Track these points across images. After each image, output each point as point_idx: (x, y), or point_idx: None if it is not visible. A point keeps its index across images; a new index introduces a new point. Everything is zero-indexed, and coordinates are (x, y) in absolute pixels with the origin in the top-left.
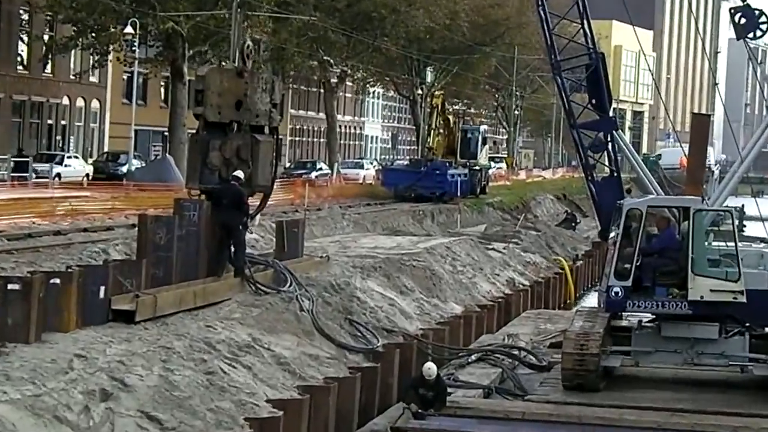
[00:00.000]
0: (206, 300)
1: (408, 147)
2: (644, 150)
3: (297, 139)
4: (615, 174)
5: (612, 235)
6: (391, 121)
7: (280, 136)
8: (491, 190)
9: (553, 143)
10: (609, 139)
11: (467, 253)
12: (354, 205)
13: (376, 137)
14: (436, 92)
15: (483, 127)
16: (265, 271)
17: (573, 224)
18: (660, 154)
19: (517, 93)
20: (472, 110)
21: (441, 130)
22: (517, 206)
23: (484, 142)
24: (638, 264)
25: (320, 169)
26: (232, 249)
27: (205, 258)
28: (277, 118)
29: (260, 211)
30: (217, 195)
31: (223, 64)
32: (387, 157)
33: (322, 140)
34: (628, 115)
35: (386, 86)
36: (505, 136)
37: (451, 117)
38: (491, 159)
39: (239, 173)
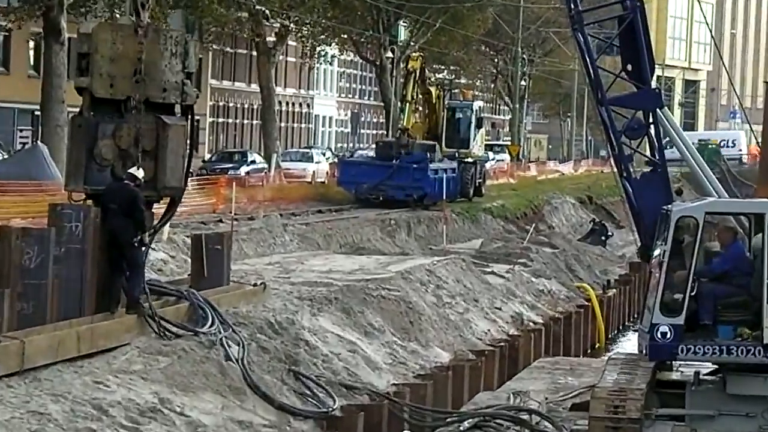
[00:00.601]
0: (95, 346)
1: (374, 131)
2: (700, 134)
3: (220, 120)
4: (659, 168)
5: (656, 253)
6: (350, 95)
7: (197, 118)
8: (489, 191)
9: (574, 126)
10: (650, 119)
11: (457, 278)
12: (300, 213)
13: (330, 118)
14: (413, 53)
15: (477, 104)
16: (177, 304)
17: (603, 238)
18: (722, 141)
19: (524, 56)
20: (462, 81)
21: (419, 107)
22: (524, 213)
23: (478, 125)
24: (693, 293)
25: (253, 162)
26: (127, 273)
27: (93, 287)
28: (193, 93)
29: (167, 222)
30: (107, 199)
31: (117, 17)
32: (345, 145)
33: (255, 122)
34: (678, 87)
35: (344, 47)
36: (508, 116)
37: (433, 89)
38: (489, 148)
39: (135, 170)
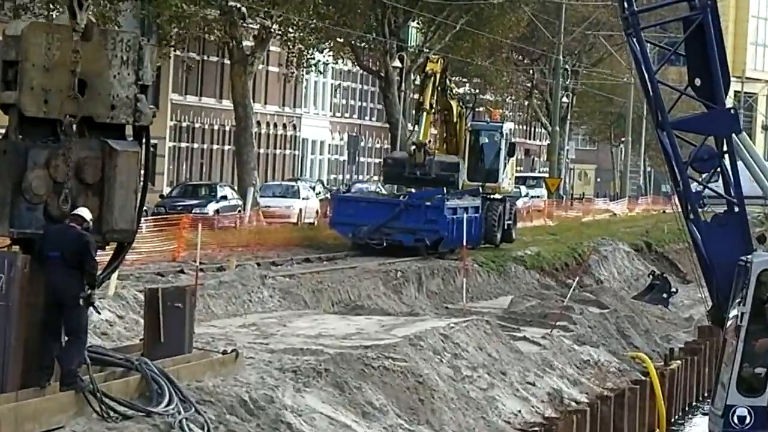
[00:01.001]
0: (20, 430)
1: (376, 160)
2: None
3: (183, 145)
4: (736, 209)
5: (732, 315)
6: (347, 114)
7: (154, 142)
8: (521, 235)
9: (628, 154)
10: (724, 147)
11: (479, 345)
12: (283, 262)
13: (322, 143)
14: (432, 55)
15: (508, 126)
16: (125, 377)
17: (664, 296)
18: None
19: (567, 66)
20: (488, 97)
21: (438, 123)
22: (566, 264)
23: (510, 153)
24: None
25: (224, 198)
26: (65, 338)
27: (18, 355)
28: (149, 112)
29: (114, 272)
30: (46, 246)
31: (53, 16)
32: (340, 177)
33: (227, 148)
34: (762, 105)
35: (340, 54)
36: (546, 141)
37: (454, 104)
38: (521, 181)
39: (83, 211)
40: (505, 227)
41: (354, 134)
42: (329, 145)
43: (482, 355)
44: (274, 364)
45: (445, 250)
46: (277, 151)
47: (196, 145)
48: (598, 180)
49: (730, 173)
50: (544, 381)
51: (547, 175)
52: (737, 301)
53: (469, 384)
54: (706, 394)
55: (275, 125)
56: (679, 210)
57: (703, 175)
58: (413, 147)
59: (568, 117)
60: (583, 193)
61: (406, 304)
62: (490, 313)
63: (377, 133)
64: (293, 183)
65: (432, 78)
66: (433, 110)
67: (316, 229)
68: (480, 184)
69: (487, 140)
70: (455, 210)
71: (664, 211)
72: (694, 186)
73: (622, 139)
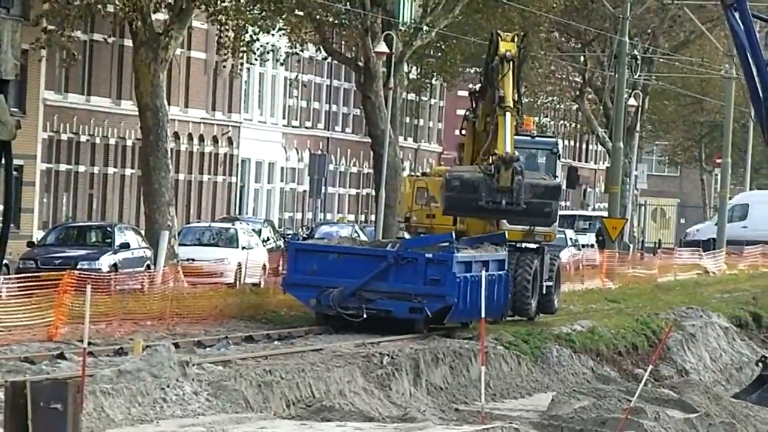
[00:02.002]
0: None
1: (352, 190)
2: None
3: (62, 168)
4: None
5: None
6: (309, 123)
7: (18, 163)
8: (567, 303)
9: (727, 182)
10: None
11: None
12: (213, 343)
13: (272, 165)
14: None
15: (557, 143)
16: None
17: None
18: None
19: (635, 52)
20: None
21: (471, 135)
22: (634, 345)
23: (571, 183)
24: None
25: (125, 247)
26: None
27: None
28: (10, 120)
29: None
30: None
31: None
32: (299, 216)
33: (128, 172)
34: None
35: (297, 34)
36: (603, 163)
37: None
38: (566, 222)
39: None
40: (544, 291)
41: (319, 152)
42: (282, 168)
43: None
44: None
45: (455, 325)
46: (205, 178)
47: (82, 168)
48: (682, 221)
49: None
50: None
51: (605, 213)
52: None
53: None
54: None
55: (201, 139)
56: None
57: None
58: (498, 162)
59: (637, 128)
60: (659, 241)
61: (397, 405)
62: (521, 418)
63: (353, 151)
64: (228, 225)
65: (511, 64)
66: (511, 108)
67: (262, 294)
68: (526, 229)
69: (535, 162)
70: (470, 265)
71: None
72: None
73: (718, 160)
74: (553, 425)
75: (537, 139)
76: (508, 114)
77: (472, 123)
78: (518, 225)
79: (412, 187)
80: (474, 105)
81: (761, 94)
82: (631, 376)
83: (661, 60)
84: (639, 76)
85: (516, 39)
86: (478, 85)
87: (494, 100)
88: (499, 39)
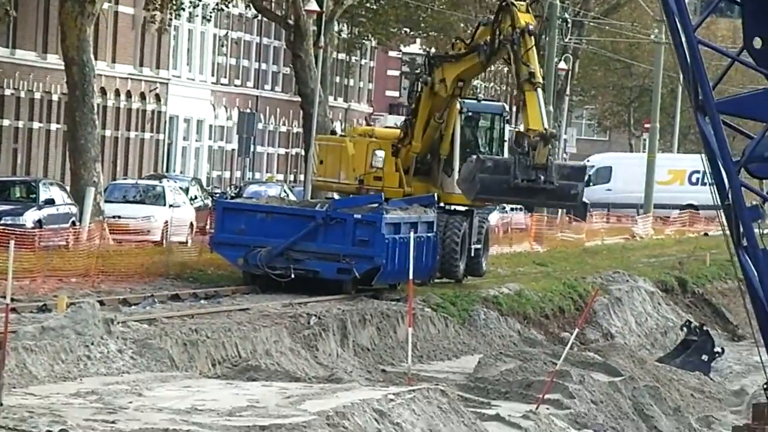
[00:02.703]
0: None
1: (281, 150)
2: None
3: None
4: None
5: None
6: (238, 81)
7: None
8: (496, 266)
9: (655, 147)
10: None
11: (431, 427)
12: (139, 301)
13: (200, 123)
14: (517, 2)
15: (505, 107)
16: None
17: (705, 358)
18: None
19: (565, 16)
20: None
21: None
22: (560, 309)
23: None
24: None
25: (49, 203)
26: None
27: None
28: None
29: None
30: None
31: None
32: (227, 175)
33: (54, 127)
34: None
35: None
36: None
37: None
38: None
39: None
40: (472, 254)
41: (248, 111)
42: (211, 126)
43: None
44: None
45: (383, 286)
46: (132, 134)
47: (6, 123)
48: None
49: None
50: None
51: None
52: None
53: None
54: None
55: (129, 95)
56: (728, 233)
57: (764, 183)
58: (537, 139)
59: (567, 92)
60: (587, 204)
61: (324, 365)
62: (447, 380)
63: (283, 110)
64: (156, 183)
65: (533, 37)
66: (535, 82)
67: (189, 252)
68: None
69: (484, 128)
70: (398, 227)
71: (706, 234)
72: (747, 199)
73: (647, 125)
74: (480, 387)
75: (484, 103)
76: (539, 90)
77: (430, 89)
78: (542, 206)
79: (366, 149)
80: (429, 70)
81: (689, 60)
82: (557, 339)
83: (592, 24)
84: (569, 39)
85: (530, 9)
86: (433, 50)
87: (520, 75)
88: (516, 10)
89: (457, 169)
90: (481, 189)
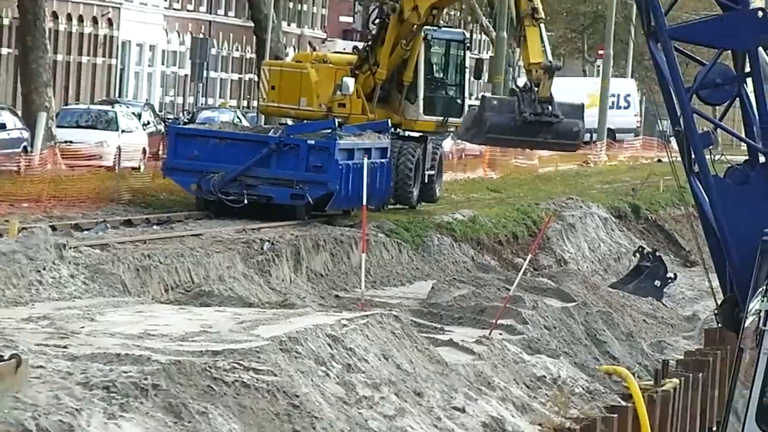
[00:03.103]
0: None
1: (234, 75)
2: None
3: None
4: (762, 160)
5: (753, 313)
6: (191, 6)
7: None
8: (449, 192)
9: (608, 74)
10: (747, 68)
11: (384, 352)
12: (91, 226)
13: (153, 48)
14: None
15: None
16: None
17: (658, 284)
18: None
19: None
20: None
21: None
22: (514, 235)
23: (477, 74)
24: None
25: (0, 127)
26: None
27: None
28: None
29: None
30: None
31: None
32: (180, 100)
33: (4, 51)
34: None
35: None
36: (487, 53)
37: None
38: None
39: None
40: (426, 180)
41: (201, 36)
42: (163, 51)
43: (388, 367)
44: (76, 377)
45: (336, 212)
46: (84, 59)
47: None
48: None
49: (755, 107)
50: (478, 405)
51: None
52: (760, 293)
53: (368, 409)
54: (714, 427)
55: (81, 20)
56: (680, 159)
57: (716, 109)
58: (540, 72)
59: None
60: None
61: (277, 291)
62: (401, 306)
63: (236, 36)
64: (108, 108)
65: None
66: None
67: (142, 178)
68: (440, 119)
69: (446, 55)
70: (352, 153)
71: (659, 160)
72: (699, 126)
73: (600, 52)
74: (433, 313)
75: (446, 30)
76: (542, 25)
77: (398, 16)
78: (545, 147)
79: (334, 76)
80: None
81: None
82: (510, 265)
83: None
84: None
85: None
86: None
87: (520, 10)
88: None
89: (421, 96)
90: (489, 128)
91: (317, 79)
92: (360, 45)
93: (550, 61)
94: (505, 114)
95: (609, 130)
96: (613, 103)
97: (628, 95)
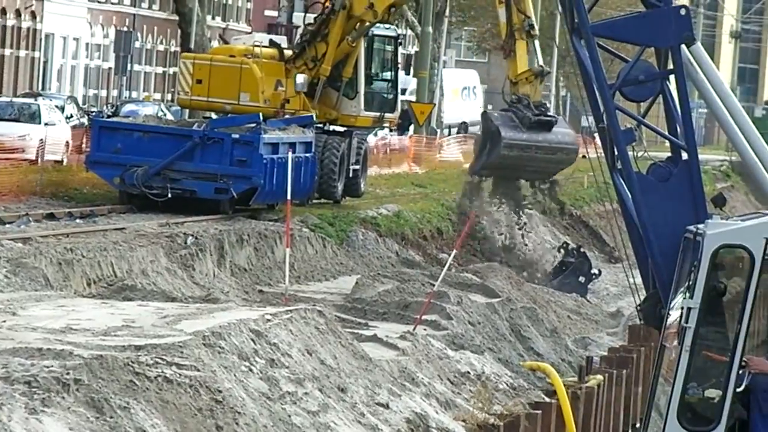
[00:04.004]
0: None
1: (159, 68)
2: None
3: None
4: (684, 157)
5: (676, 310)
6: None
7: None
8: (374, 187)
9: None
10: (669, 66)
11: (308, 348)
12: (13, 219)
13: (77, 41)
14: None
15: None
16: None
17: (582, 280)
18: None
19: None
20: None
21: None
22: (438, 230)
23: (407, 69)
24: (742, 387)
25: None
26: None
27: None
28: None
29: None
30: None
31: None
32: (104, 93)
33: None
34: (732, 5)
35: None
36: (412, 49)
37: None
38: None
39: None
40: (351, 175)
41: (126, 29)
42: (87, 44)
43: (312, 363)
44: None
45: (261, 206)
46: (7, 52)
47: None
48: (489, 107)
49: (677, 105)
50: (402, 401)
51: (413, 98)
52: (682, 290)
53: (291, 404)
54: (636, 424)
55: (3, 12)
56: (604, 156)
57: (640, 106)
58: (526, 81)
59: (447, 13)
60: (466, 126)
61: (201, 285)
62: (325, 301)
63: (160, 29)
64: (31, 101)
65: None
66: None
67: (65, 171)
68: (377, 115)
69: (381, 51)
70: (276, 147)
71: (584, 156)
72: (622, 122)
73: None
74: (357, 308)
75: (381, 26)
76: (536, 41)
77: (348, 13)
78: (552, 163)
79: (282, 73)
80: None
81: None
82: (435, 260)
83: None
84: None
85: None
86: None
87: (513, 23)
88: None
89: (362, 92)
90: (503, 136)
91: (261, 75)
92: (276, 38)
93: (541, 66)
94: (510, 123)
95: (462, 122)
96: (467, 95)
97: (475, 87)
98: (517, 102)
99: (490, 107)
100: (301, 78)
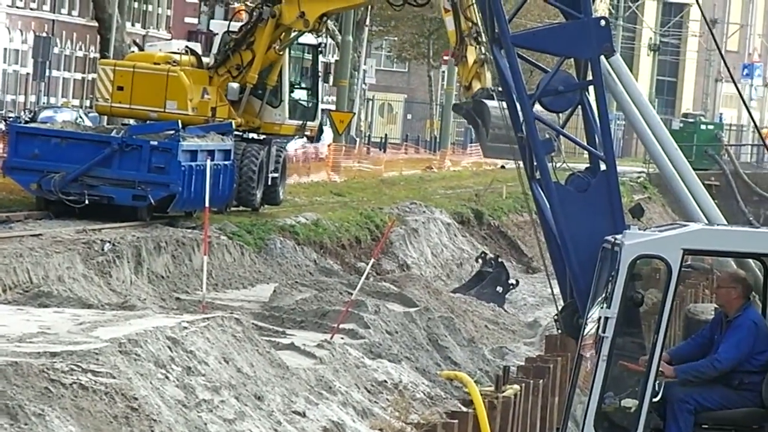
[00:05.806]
0: None
1: (78, 74)
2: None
3: None
4: (603, 167)
5: (592, 321)
6: (33, 5)
7: None
8: (293, 195)
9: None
10: (589, 76)
11: (225, 355)
12: None
13: None
14: None
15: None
16: None
17: (500, 290)
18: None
19: None
20: None
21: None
22: (357, 239)
23: (326, 77)
24: (658, 398)
25: None
26: None
27: None
28: None
29: None
30: None
31: None
32: (21, 99)
33: None
34: (650, 17)
35: None
36: (332, 57)
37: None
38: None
39: None
40: (269, 183)
41: (44, 35)
42: (5, 49)
43: (228, 371)
44: None
45: (179, 214)
46: None
47: None
48: (409, 116)
49: (597, 116)
50: (319, 410)
51: (332, 107)
52: (599, 300)
53: (207, 412)
54: None
55: None
56: (522, 166)
57: (559, 116)
58: (478, 68)
59: (367, 22)
60: (386, 136)
61: (117, 292)
62: (242, 309)
63: (80, 35)
64: None
65: None
66: None
67: None
68: (300, 123)
69: (302, 60)
70: (195, 154)
71: (503, 167)
72: (541, 133)
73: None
74: (275, 316)
75: (304, 35)
76: (483, 48)
77: (276, 21)
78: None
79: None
80: (273, 2)
81: None
82: (353, 269)
83: None
84: None
85: None
86: None
87: (461, 30)
88: None
89: (286, 100)
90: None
91: (189, 83)
92: (191, 45)
93: (484, 54)
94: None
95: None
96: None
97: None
98: (478, 95)
99: (409, 117)
100: (234, 86)
